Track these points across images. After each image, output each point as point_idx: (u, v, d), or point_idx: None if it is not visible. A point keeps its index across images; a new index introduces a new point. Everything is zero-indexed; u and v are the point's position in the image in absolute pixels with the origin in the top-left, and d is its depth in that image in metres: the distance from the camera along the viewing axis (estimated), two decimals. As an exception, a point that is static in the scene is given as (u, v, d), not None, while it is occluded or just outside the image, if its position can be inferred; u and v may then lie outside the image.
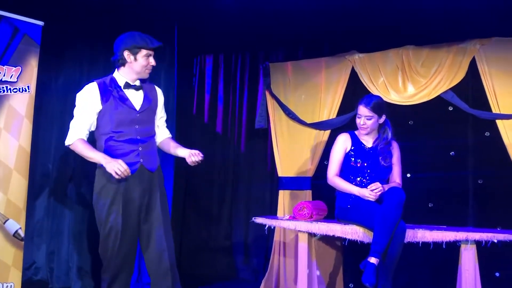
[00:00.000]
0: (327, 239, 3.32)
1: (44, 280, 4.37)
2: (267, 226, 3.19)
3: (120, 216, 2.70)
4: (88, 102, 2.80)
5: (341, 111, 4.41)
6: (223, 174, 5.34)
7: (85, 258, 4.32)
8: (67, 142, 2.85)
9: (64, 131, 4.40)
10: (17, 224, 2.98)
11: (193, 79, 5.66)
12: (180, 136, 4.77)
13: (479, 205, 3.98)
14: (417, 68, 4.12)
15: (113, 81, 2.87)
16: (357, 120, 3.59)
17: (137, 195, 2.77)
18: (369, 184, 3.37)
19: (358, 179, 3.52)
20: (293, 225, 3.02)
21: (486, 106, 3.86)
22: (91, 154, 2.72)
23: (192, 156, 2.84)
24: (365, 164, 3.52)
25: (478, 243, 2.69)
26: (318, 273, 3.12)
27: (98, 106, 2.80)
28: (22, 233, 3.00)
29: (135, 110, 2.84)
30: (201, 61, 5.64)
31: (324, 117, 4.47)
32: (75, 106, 2.87)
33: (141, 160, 2.80)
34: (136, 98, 2.87)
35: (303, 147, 4.54)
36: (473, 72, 3.93)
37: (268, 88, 4.74)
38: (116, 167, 2.57)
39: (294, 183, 4.55)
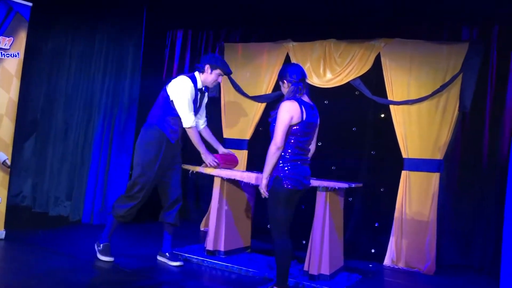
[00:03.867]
0: (239, 184, 4.35)
1: (28, 206, 5.52)
2: (190, 171, 4.20)
3: (156, 167, 3.82)
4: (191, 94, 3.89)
5: (276, 87, 5.39)
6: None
7: (61, 189, 5.41)
8: (186, 124, 3.85)
9: (50, 87, 5.49)
10: (4, 155, 4.02)
11: (165, 49, 6.59)
12: (146, 99, 5.71)
13: (370, 170, 5.05)
14: (335, 58, 5.09)
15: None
16: None
17: (169, 155, 3.92)
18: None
19: None
20: (209, 170, 4.03)
21: (384, 93, 4.86)
22: (198, 144, 3.93)
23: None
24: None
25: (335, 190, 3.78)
26: (226, 207, 4.18)
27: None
28: (8, 162, 4.04)
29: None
30: (173, 34, 6.55)
31: (262, 92, 5.46)
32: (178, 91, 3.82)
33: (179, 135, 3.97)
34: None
35: (244, 115, 5.55)
36: (377, 65, 4.89)
37: (222, 64, 5.71)
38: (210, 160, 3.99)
39: (235, 144, 5.59)
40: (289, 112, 3.10)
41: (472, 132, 4.75)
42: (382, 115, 5.00)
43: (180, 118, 3.87)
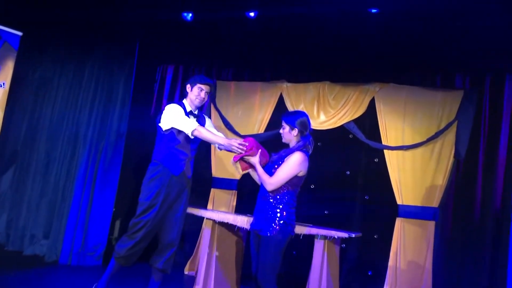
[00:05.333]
0: (231, 228, 4.17)
1: (1, 244, 5.18)
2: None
3: (159, 204, 3.58)
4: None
5: (268, 127, 5.29)
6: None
7: (38, 226, 5.10)
8: (190, 129, 3.53)
9: (34, 118, 5.27)
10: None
11: (154, 84, 6.47)
12: (133, 134, 5.55)
13: (364, 216, 4.93)
14: (329, 100, 5.05)
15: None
16: None
17: (175, 192, 3.66)
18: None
19: None
20: (200, 212, 3.85)
21: (378, 137, 4.81)
22: (214, 137, 3.55)
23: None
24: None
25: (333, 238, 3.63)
26: (216, 253, 3.97)
27: None
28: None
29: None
30: (163, 70, 6.45)
31: (255, 131, 5.35)
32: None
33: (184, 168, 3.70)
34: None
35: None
36: (371, 109, 4.86)
37: (213, 101, 5.62)
38: (236, 144, 3.35)
39: (224, 183, 5.42)
40: (300, 166, 3.04)
41: (465, 179, 4.70)
42: (376, 160, 4.94)
43: (184, 146, 3.67)
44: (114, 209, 5.17)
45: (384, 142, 4.78)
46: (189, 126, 3.55)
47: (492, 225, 4.54)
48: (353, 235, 3.76)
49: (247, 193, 5.43)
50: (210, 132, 3.60)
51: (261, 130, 5.35)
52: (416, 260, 4.49)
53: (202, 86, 3.78)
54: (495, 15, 4.06)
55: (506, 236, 4.19)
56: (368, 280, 4.83)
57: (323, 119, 5.05)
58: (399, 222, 4.60)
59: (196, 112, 3.83)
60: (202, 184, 5.78)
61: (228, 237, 4.16)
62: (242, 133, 5.40)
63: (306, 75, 5.26)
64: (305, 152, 3.11)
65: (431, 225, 4.50)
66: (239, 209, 5.27)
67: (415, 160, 4.65)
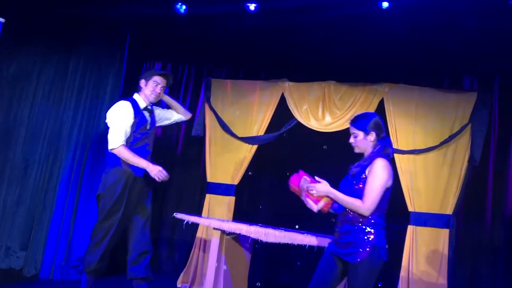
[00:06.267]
0: (238, 239, 3.82)
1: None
2: (185, 221, 3.64)
3: (122, 209, 3.39)
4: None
5: (269, 129, 4.96)
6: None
7: (14, 237, 4.57)
8: (112, 146, 3.43)
9: (9, 118, 4.72)
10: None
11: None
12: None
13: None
14: (335, 101, 4.77)
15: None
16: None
17: (139, 193, 3.49)
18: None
19: None
20: (208, 222, 3.48)
21: (387, 141, 4.55)
22: (136, 160, 3.39)
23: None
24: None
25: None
26: (225, 267, 3.61)
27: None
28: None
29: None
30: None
31: (254, 133, 5.00)
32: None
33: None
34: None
35: (232, 157, 5.05)
36: (380, 110, 4.60)
37: (208, 101, 5.23)
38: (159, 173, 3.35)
39: (220, 189, 5.04)
40: (388, 174, 2.70)
41: (476, 185, 4.51)
42: (385, 164, 4.67)
43: (143, 144, 3.54)
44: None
45: (394, 146, 4.52)
46: (114, 141, 3.40)
47: (504, 232, 4.38)
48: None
49: (247, 200, 5.08)
50: (133, 154, 3.42)
51: (261, 132, 5.00)
52: (429, 270, 4.25)
53: (158, 79, 3.61)
54: (503, 16, 3.91)
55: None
56: (379, 292, 4.58)
57: (328, 121, 4.76)
58: (410, 230, 4.36)
59: (148, 107, 3.62)
60: (195, 190, 5.41)
61: (235, 248, 3.80)
62: (240, 135, 5.05)
63: (310, 74, 4.97)
64: (386, 157, 2.76)
65: (445, 233, 4.28)
66: (238, 217, 4.91)
67: (427, 165, 4.43)
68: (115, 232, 3.41)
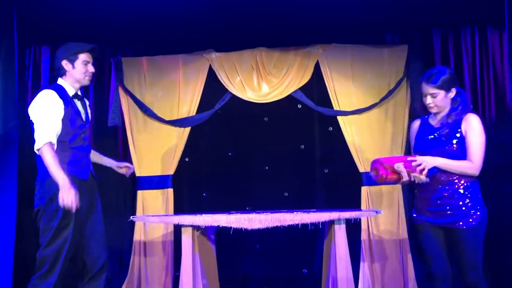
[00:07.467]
0: (205, 232, 3.34)
1: None
2: (146, 224, 3.07)
3: (72, 223, 2.81)
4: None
5: (201, 108, 4.46)
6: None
7: None
8: (38, 145, 2.82)
9: None
10: None
11: (25, 72, 4.99)
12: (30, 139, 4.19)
13: (326, 191, 4.51)
14: (269, 69, 4.43)
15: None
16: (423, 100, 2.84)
17: (87, 200, 2.94)
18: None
19: None
20: (177, 219, 2.95)
21: (329, 104, 4.39)
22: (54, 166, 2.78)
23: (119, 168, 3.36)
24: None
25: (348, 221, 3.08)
26: (200, 267, 3.11)
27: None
28: None
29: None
30: (35, 52, 5.00)
31: (183, 114, 4.46)
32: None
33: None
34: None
35: (162, 145, 4.45)
36: (317, 73, 4.41)
37: (121, 83, 4.51)
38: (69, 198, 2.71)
39: (153, 182, 4.43)
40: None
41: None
42: (330, 128, 4.51)
43: (81, 141, 3.02)
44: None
45: (335, 108, 4.38)
46: (37, 140, 2.84)
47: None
48: (382, 212, 3.37)
49: (187, 189, 4.54)
50: (54, 159, 2.79)
51: (193, 112, 4.47)
52: (389, 228, 4.24)
53: (87, 57, 3.02)
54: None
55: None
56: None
57: (266, 91, 4.42)
58: (364, 191, 4.29)
59: (78, 93, 3.06)
60: (123, 189, 4.68)
61: (203, 244, 3.31)
62: (167, 118, 4.46)
63: (237, 42, 4.53)
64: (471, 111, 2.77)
65: (397, 188, 4.28)
66: (181, 210, 4.38)
67: (371, 124, 4.36)
68: (67, 253, 2.79)
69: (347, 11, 4.28)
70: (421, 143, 2.75)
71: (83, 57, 2.99)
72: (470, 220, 2.58)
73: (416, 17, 4.48)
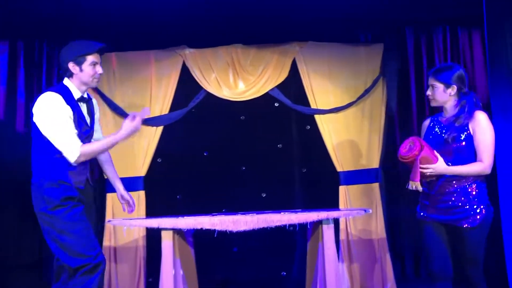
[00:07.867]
0: (184, 235, 3.18)
1: None
2: (125, 228, 2.88)
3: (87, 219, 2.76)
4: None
5: (174, 106, 4.29)
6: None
7: None
8: (74, 156, 2.70)
9: None
10: None
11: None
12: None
13: (304, 191, 4.43)
14: (246, 66, 4.33)
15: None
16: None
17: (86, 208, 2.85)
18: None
19: None
20: (156, 223, 2.77)
21: (306, 102, 4.32)
22: (106, 142, 2.81)
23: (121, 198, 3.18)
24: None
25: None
26: (181, 272, 2.94)
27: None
28: None
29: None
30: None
31: (156, 113, 4.27)
32: None
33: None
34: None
35: (133, 144, 4.25)
36: (294, 71, 4.33)
37: (90, 80, 4.27)
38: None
39: (125, 184, 4.17)
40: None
41: (403, 136, 4.57)
42: (308, 127, 4.44)
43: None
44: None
45: (313, 106, 4.32)
46: (69, 152, 2.68)
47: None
48: (370, 211, 3.34)
49: (160, 191, 4.35)
50: (99, 144, 2.82)
51: (165, 110, 4.30)
52: (367, 227, 4.21)
53: (94, 58, 2.80)
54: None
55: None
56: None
57: (242, 88, 4.30)
58: (342, 190, 4.24)
59: (84, 96, 2.88)
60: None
61: (183, 247, 3.14)
62: (138, 117, 4.25)
63: (211, 39, 4.39)
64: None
65: (375, 187, 4.26)
66: (153, 213, 4.17)
67: (348, 122, 4.33)
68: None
69: (322, 9, 4.23)
70: (430, 142, 2.73)
71: (91, 58, 2.77)
72: (474, 219, 2.57)
73: (389, 16, 4.49)
